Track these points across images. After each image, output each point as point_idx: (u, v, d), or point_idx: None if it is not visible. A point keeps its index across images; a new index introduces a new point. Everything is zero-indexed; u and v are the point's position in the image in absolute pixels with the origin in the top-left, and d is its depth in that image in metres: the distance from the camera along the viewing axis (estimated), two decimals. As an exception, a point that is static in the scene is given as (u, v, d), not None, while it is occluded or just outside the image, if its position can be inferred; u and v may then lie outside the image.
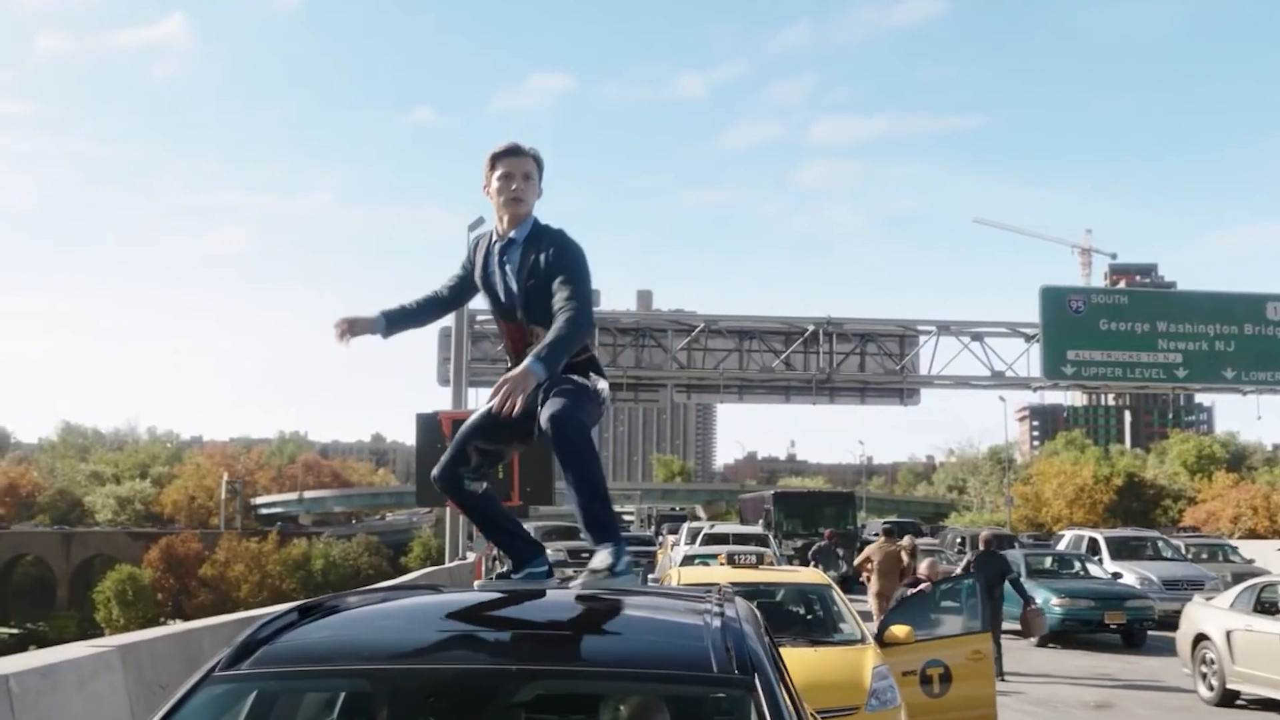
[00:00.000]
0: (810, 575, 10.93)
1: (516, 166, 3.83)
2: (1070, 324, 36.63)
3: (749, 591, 7.18)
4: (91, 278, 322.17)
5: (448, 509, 25.41)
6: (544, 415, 3.53)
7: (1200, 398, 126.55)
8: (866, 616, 12.10)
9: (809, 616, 9.45)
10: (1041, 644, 18.67)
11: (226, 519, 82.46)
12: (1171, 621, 16.77)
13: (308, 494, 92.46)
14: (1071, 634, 19.10)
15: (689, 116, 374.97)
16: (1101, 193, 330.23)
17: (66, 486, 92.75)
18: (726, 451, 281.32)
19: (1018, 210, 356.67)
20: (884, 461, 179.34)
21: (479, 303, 4.15)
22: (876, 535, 20.75)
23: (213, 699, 2.65)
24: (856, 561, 17.76)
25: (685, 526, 34.78)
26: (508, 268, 3.83)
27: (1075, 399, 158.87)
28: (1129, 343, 36.86)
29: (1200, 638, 13.24)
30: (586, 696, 3.15)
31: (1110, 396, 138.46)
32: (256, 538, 73.14)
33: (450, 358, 32.35)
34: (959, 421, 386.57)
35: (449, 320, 30.99)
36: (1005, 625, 15.93)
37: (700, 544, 25.09)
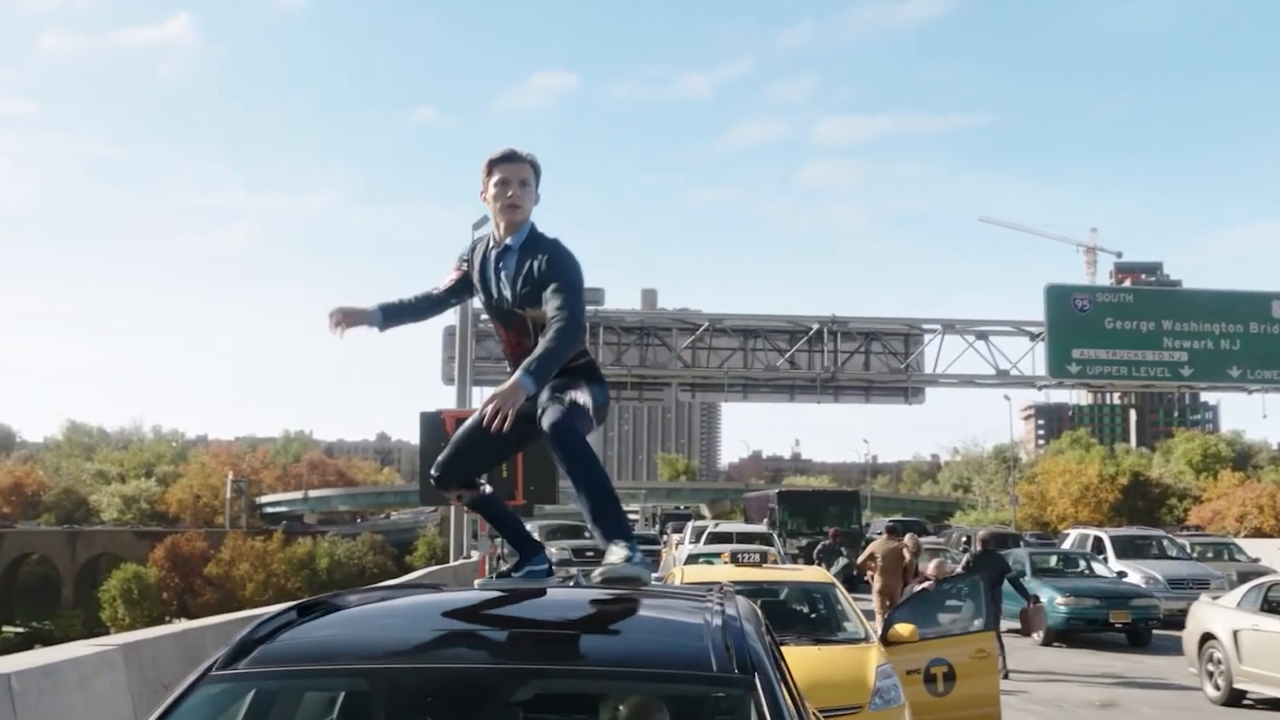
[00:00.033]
0: (814, 574, 10.91)
1: (513, 173, 3.82)
2: (1075, 323, 36.59)
3: (752, 590, 7.18)
4: (96, 277, 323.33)
5: (452, 508, 25.42)
6: (543, 422, 3.53)
7: (1205, 396, 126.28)
8: (870, 615, 12.07)
9: (813, 615, 9.43)
10: (1046, 643, 18.65)
11: (231, 518, 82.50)
12: (1177, 620, 16.76)
13: (313, 493, 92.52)
14: (1076, 633, 19.06)
15: (693, 116, 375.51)
16: (1105, 192, 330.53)
17: (72, 485, 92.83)
18: (731, 450, 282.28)
19: (1022, 209, 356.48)
20: (889, 460, 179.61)
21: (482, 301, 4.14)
22: (880, 534, 20.72)
23: (210, 698, 2.64)
24: (860, 559, 17.75)
25: (690, 525, 34.77)
26: (503, 274, 3.83)
27: (1080, 398, 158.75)
28: (1134, 341, 36.82)
29: (1207, 637, 13.20)
30: (586, 696, 3.14)
31: (1115, 395, 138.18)
32: (261, 536, 73.24)
33: (455, 356, 32.42)
34: (964, 420, 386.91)
35: (453, 319, 31.05)
36: (1005, 624, 15.89)
37: (705, 543, 25.10)
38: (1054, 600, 18.73)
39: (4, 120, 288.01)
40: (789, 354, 38.26)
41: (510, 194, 3.80)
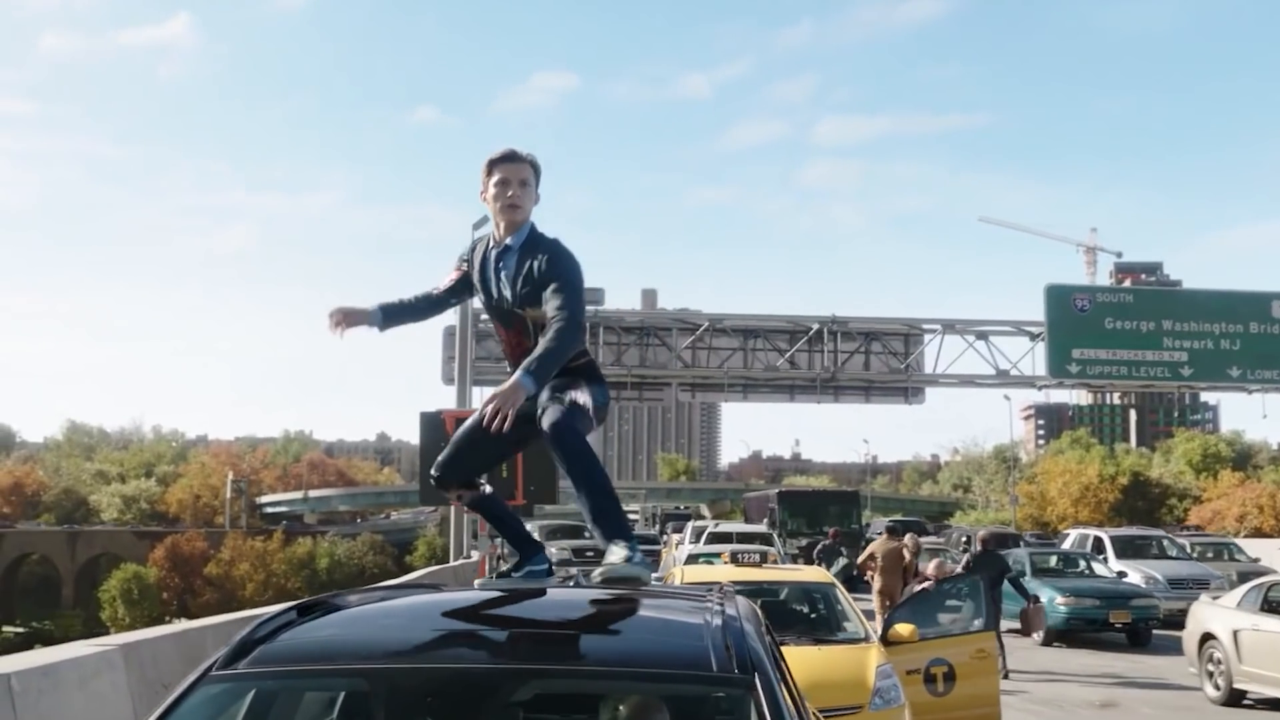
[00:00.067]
0: (814, 574, 10.91)
1: (513, 173, 3.82)
2: (1075, 323, 36.58)
3: (752, 590, 7.18)
4: (96, 277, 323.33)
5: (452, 508, 25.42)
6: (543, 422, 3.54)
7: (1206, 396, 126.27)
8: (870, 615, 12.07)
9: (813, 615, 9.43)
10: (1046, 643, 18.65)
11: (231, 518, 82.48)
12: (1177, 620, 16.75)
13: (313, 493, 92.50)
14: (1077, 633, 19.06)
15: (693, 115, 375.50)
16: (1105, 192, 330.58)
17: (72, 485, 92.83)
18: (731, 450, 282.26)
19: (1021, 209, 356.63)
20: (889, 460, 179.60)
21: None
22: (880, 534, 20.72)
23: (210, 698, 2.64)
24: (860, 559, 17.75)
25: (690, 525, 34.77)
26: (503, 274, 3.83)
27: (1080, 398, 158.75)
28: (1134, 341, 36.82)
29: (1207, 637, 13.20)
30: (586, 696, 3.14)
31: (1115, 395, 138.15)
32: (261, 536, 73.22)
33: (455, 356, 32.41)
34: (964, 420, 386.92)
35: (453, 319, 31.05)
36: (1005, 624, 15.89)
37: (705, 543, 25.09)
38: (1054, 600, 18.73)
39: (4, 120, 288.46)
40: (789, 354, 38.26)
41: (510, 194, 3.79)
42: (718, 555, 16.84)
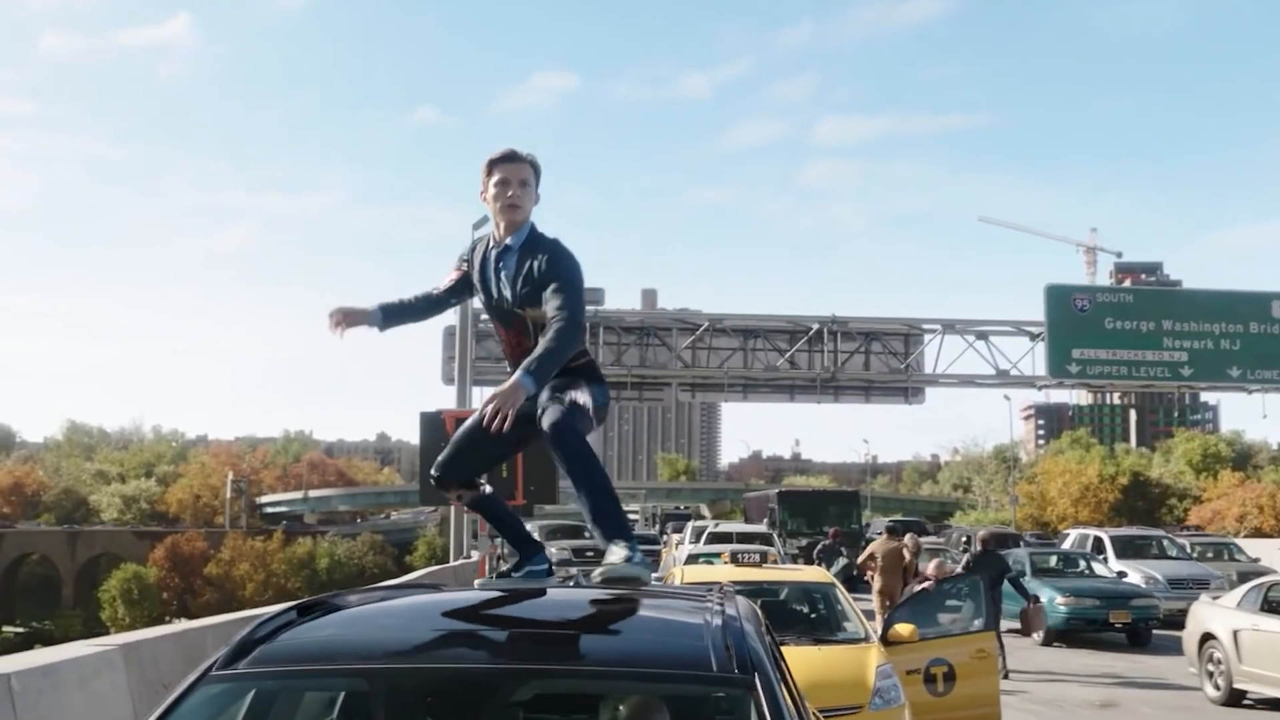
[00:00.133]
0: (814, 574, 10.91)
1: (513, 173, 3.82)
2: (1075, 323, 36.59)
3: (752, 590, 7.18)
4: (96, 277, 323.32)
5: (452, 508, 25.41)
6: (543, 422, 3.54)
7: (1206, 396, 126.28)
8: (870, 615, 12.07)
9: (813, 615, 9.43)
10: (1046, 643, 18.65)
11: (231, 518, 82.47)
12: (1177, 620, 16.75)
13: (313, 493, 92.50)
14: (1077, 633, 19.05)
15: (693, 115, 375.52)
16: (1105, 192, 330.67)
17: (72, 485, 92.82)
18: (731, 450, 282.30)
19: (1021, 209, 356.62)
20: (889, 460, 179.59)
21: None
22: (880, 534, 20.72)
23: (210, 698, 2.64)
24: (860, 559, 17.74)
25: (690, 525, 34.77)
26: (503, 274, 3.83)
27: (1080, 398, 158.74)
28: (1134, 341, 36.82)
29: (1207, 637, 13.20)
30: (586, 696, 3.14)
31: (1115, 395, 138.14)
32: (261, 536, 73.22)
33: (455, 356, 32.40)
34: (964, 420, 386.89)
35: (453, 319, 31.05)
36: (1005, 624, 15.89)
37: (705, 543, 25.10)
38: (1054, 600, 18.73)
39: (4, 120, 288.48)
40: (789, 354, 38.27)
41: (510, 194, 3.79)
42: (718, 555, 16.83)
